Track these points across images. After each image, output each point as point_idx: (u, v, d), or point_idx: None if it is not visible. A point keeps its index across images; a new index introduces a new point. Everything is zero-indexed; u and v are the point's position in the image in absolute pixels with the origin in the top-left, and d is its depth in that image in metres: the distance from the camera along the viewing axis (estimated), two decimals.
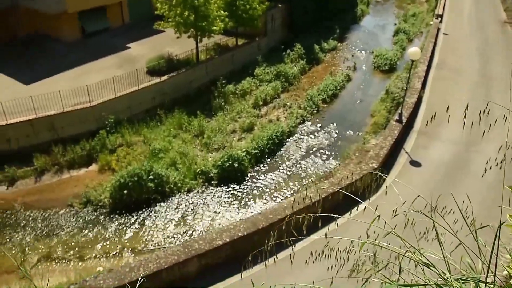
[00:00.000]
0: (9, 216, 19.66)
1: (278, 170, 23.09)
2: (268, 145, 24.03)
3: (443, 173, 19.24)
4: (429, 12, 47.65)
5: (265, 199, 20.99)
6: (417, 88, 26.13)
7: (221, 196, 21.11)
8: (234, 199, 21.00)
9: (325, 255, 3.89)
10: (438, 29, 37.80)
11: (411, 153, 20.72)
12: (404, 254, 2.93)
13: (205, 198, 20.94)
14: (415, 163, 20.07)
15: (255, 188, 21.76)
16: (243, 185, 21.84)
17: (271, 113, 28.19)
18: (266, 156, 23.83)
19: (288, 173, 22.91)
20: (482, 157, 18.59)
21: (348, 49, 39.44)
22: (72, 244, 18.40)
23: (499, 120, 3.76)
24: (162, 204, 20.46)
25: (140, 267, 13.46)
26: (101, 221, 19.64)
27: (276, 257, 4.09)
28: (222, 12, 29.19)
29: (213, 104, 27.95)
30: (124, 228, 19.24)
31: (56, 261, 17.52)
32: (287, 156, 24.30)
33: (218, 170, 21.85)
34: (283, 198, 20.89)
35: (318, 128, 27.00)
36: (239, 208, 20.45)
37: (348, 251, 3.79)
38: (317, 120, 27.94)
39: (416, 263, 2.93)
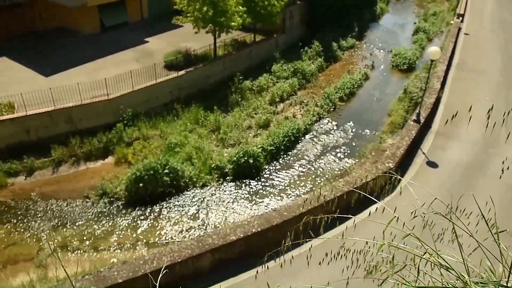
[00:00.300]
0: (26, 206, 20.01)
1: (293, 167, 23.04)
2: (284, 142, 23.97)
3: (461, 174, 18.97)
4: (450, 11, 46.85)
5: (280, 196, 20.96)
6: (436, 88, 25.71)
7: (236, 192, 21.16)
8: (249, 195, 21.03)
9: (340, 256, 3.86)
10: (459, 29, 37.16)
11: (428, 154, 20.45)
12: (423, 256, 2.89)
13: (220, 193, 21.01)
14: (432, 164, 19.81)
15: (269, 184, 21.75)
16: (258, 181, 21.84)
17: (288, 110, 28.11)
18: (281, 153, 23.78)
19: (303, 170, 22.84)
20: (501, 160, 18.23)
21: (367, 48, 39.05)
22: (87, 235, 18.65)
23: None
24: (177, 198, 20.59)
25: (154, 260, 13.57)
26: (116, 213, 19.86)
27: (292, 257, 4.06)
28: (240, 7, 29.20)
29: (229, 99, 27.98)
30: (139, 221, 19.42)
31: (71, 251, 17.79)
32: (302, 153, 24.22)
33: (233, 165, 21.89)
34: (297, 195, 20.84)
35: (335, 126, 26.84)
36: (253, 204, 20.48)
37: (364, 252, 3.74)
38: (334, 118, 27.77)
39: (434, 265, 2.88)
